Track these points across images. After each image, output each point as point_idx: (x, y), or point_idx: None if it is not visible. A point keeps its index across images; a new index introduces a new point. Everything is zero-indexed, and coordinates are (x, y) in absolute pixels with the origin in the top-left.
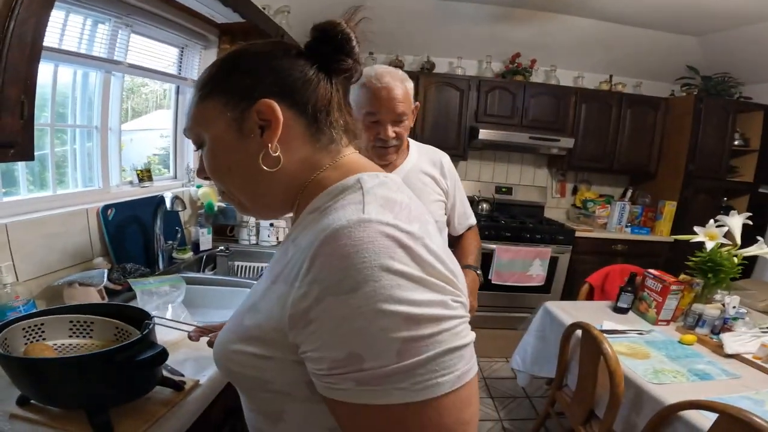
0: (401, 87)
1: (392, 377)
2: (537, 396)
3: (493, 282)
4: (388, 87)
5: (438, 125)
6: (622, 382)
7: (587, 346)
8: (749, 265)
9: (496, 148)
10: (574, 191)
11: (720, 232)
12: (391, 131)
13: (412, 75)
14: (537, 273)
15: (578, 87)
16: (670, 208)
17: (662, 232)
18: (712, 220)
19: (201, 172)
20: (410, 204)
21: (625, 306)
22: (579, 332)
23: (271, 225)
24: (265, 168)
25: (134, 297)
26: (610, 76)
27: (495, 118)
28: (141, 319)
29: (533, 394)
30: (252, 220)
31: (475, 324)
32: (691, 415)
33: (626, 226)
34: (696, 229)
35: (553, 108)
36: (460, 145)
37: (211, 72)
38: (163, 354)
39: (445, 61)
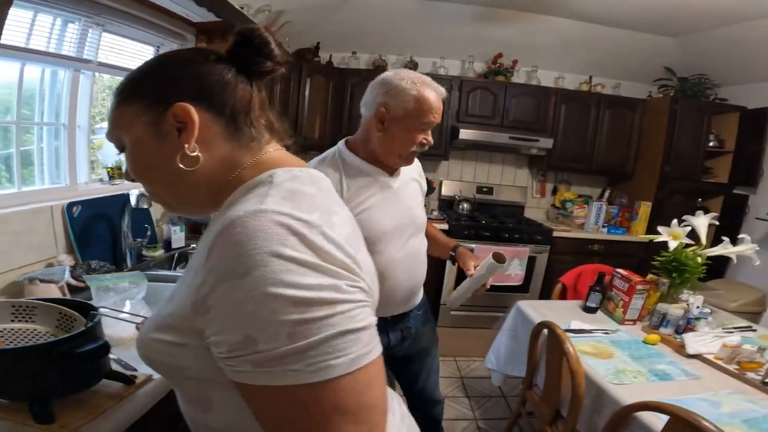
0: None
1: (285, 359)
2: (513, 395)
3: None
4: (439, 96)
5: None
6: (583, 382)
7: (552, 346)
8: (722, 265)
9: (478, 148)
10: (554, 191)
11: (683, 232)
12: (431, 137)
13: None
14: (516, 272)
15: (558, 87)
16: (645, 208)
17: (638, 233)
18: (675, 220)
19: (128, 175)
20: (317, 195)
21: (593, 305)
22: (546, 331)
23: None
24: (183, 167)
25: None
26: (590, 77)
27: (476, 118)
28: (89, 310)
29: (509, 393)
30: None
31: (453, 323)
32: (645, 416)
33: (603, 227)
34: (660, 228)
35: (533, 108)
36: (441, 145)
37: (130, 78)
38: (105, 347)
39: (428, 61)
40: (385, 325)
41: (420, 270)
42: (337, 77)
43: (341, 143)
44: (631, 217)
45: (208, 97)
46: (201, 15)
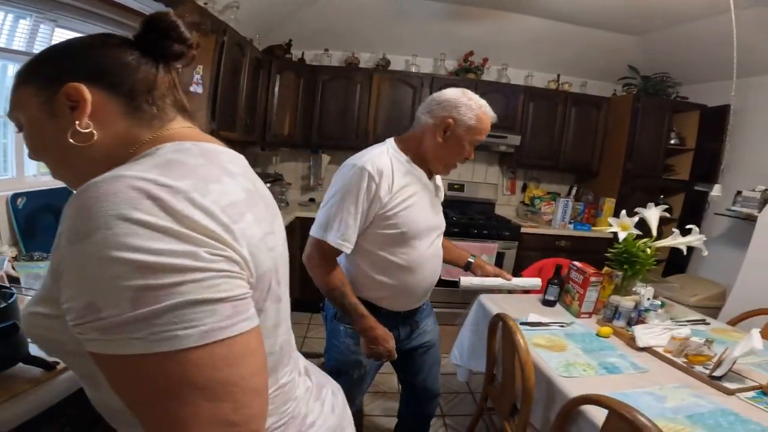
0: None
1: (128, 327)
2: (480, 392)
3: (441, 278)
4: (490, 120)
5: (391, 122)
6: (533, 375)
7: (506, 338)
8: (684, 260)
9: None
10: (524, 189)
11: (632, 223)
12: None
13: (366, 73)
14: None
15: (527, 85)
16: (609, 205)
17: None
18: (624, 211)
19: (30, 155)
20: (201, 166)
21: (551, 299)
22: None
23: None
24: (77, 144)
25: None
26: (558, 76)
27: None
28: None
29: (476, 389)
30: None
31: None
32: (591, 410)
33: (569, 223)
34: (610, 220)
35: (502, 106)
36: None
37: (30, 61)
38: (14, 328)
39: (401, 59)
40: (396, 320)
41: (439, 269)
42: (308, 74)
43: (391, 141)
44: (596, 214)
45: (105, 77)
46: (156, 9)
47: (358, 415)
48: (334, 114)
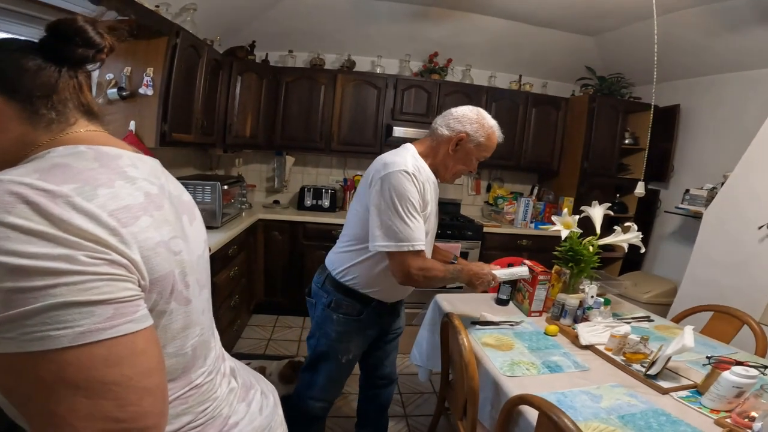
0: None
1: (0, 327)
2: None
3: None
4: (497, 140)
5: (355, 123)
6: (476, 375)
7: (453, 338)
8: (639, 258)
9: None
10: (488, 189)
11: (574, 221)
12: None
13: (330, 74)
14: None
15: (490, 86)
16: (568, 204)
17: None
18: (566, 210)
19: None
20: (92, 170)
21: (504, 297)
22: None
23: None
24: None
25: None
26: (520, 76)
27: (410, 116)
28: None
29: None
30: None
31: None
32: (528, 410)
33: (531, 222)
34: (553, 218)
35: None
36: (376, 143)
37: None
38: None
39: (367, 60)
40: (384, 310)
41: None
42: (271, 75)
43: (413, 149)
44: (556, 212)
45: (2, 82)
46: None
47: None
48: (297, 115)
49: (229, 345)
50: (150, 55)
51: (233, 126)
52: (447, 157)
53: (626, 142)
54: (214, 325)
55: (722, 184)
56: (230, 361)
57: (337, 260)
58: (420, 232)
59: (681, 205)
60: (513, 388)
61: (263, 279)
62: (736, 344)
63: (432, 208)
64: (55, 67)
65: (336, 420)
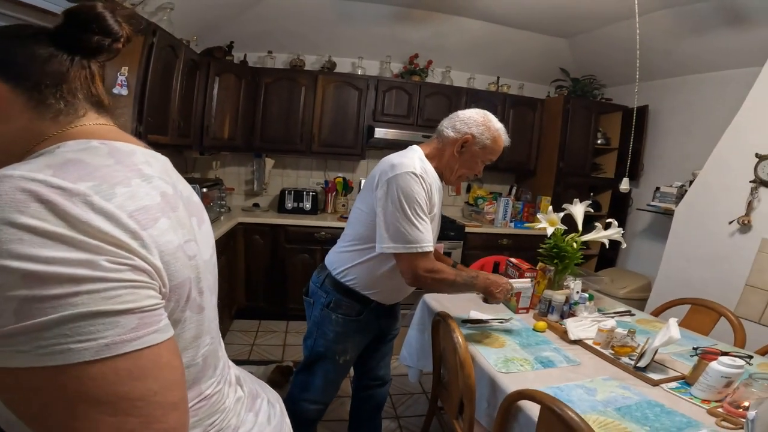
0: None
1: (12, 339)
2: None
3: None
4: (504, 144)
5: (336, 124)
6: (472, 372)
7: (446, 337)
8: (614, 254)
9: (396, 147)
10: (468, 189)
11: (558, 218)
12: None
13: (311, 75)
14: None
15: (469, 87)
16: (545, 203)
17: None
18: (550, 207)
19: None
20: (108, 167)
21: None
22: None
23: None
24: None
25: None
26: (497, 78)
27: (392, 118)
28: None
29: (430, 389)
30: None
31: None
32: (527, 405)
33: (510, 221)
34: (539, 216)
35: (445, 107)
36: (357, 145)
37: None
38: None
39: (348, 62)
40: (382, 311)
41: None
42: (250, 76)
43: (420, 151)
44: (534, 212)
45: (10, 69)
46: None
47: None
48: (277, 117)
49: None
50: (125, 54)
51: (211, 127)
52: (452, 160)
53: (599, 142)
54: (220, 332)
55: (691, 182)
56: (235, 369)
57: (338, 260)
58: (428, 233)
59: (652, 203)
60: (509, 384)
61: (244, 284)
62: (714, 336)
63: (437, 210)
64: (68, 56)
65: (327, 424)
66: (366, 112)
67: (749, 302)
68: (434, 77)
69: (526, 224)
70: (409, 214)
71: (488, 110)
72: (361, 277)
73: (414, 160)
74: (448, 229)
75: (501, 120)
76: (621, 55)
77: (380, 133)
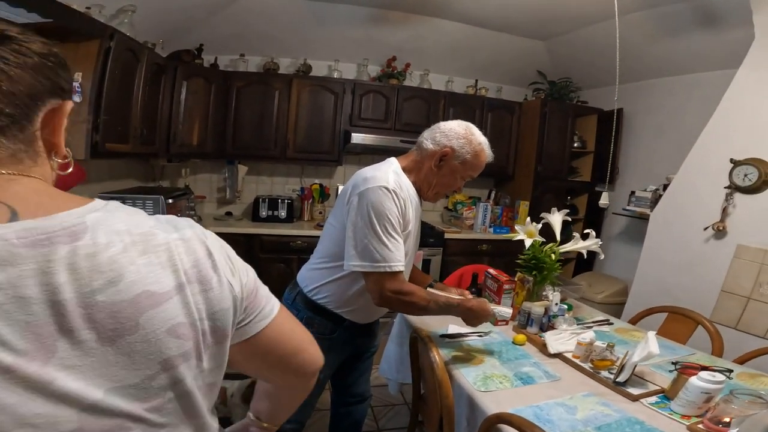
0: None
1: None
2: None
3: None
4: (487, 159)
5: (311, 130)
6: (450, 393)
7: (423, 355)
8: (591, 257)
9: (373, 152)
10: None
11: (536, 229)
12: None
13: (285, 78)
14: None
15: (447, 91)
16: (524, 207)
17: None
18: (528, 218)
19: None
20: None
21: None
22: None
23: None
24: None
25: None
26: (476, 81)
27: (369, 122)
28: None
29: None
30: None
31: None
32: (507, 429)
33: (489, 227)
34: (516, 227)
35: (423, 111)
36: (334, 150)
37: None
38: None
39: (324, 65)
40: (356, 330)
41: None
42: (221, 80)
43: (397, 164)
44: (513, 216)
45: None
46: (22, 16)
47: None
48: (250, 122)
49: None
50: (79, 60)
51: (178, 134)
52: (430, 174)
53: (575, 145)
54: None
55: (664, 186)
56: None
57: (310, 277)
58: (398, 252)
59: (627, 207)
60: (488, 403)
61: None
62: (692, 344)
63: (413, 227)
64: None
65: None
66: (342, 116)
67: (725, 308)
68: (412, 80)
69: (505, 236)
70: (379, 231)
71: (467, 114)
72: (333, 295)
73: (388, 173)
74: (427, 236)
75: (479, 124)
76: (596, 57)
77: (357, 138)
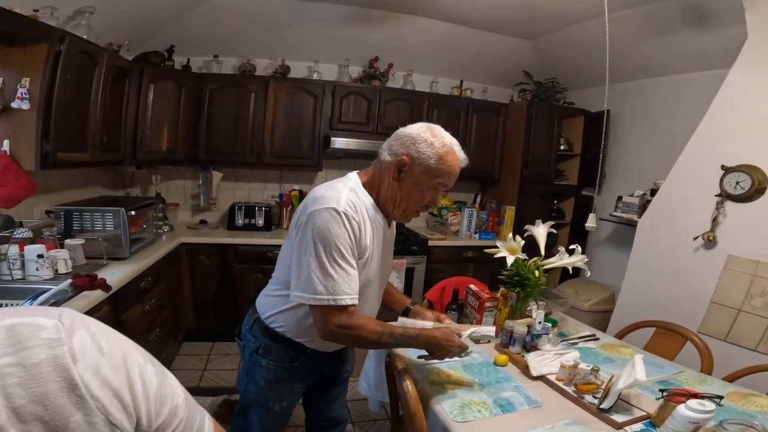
0: None
1: None
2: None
3: None
4: (460, 164)
5: (290, 134)
6: (424, 425)
7: (399, 382)
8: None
9: (354, 156)
10: None
11: (519, 246)
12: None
13: (261, 80)
14: (395, 286)
15: (431, 92)
16: (510, 212)
17: (505, 237)
18: (510, 234)
19: None
20: None
21: None
22: None
23: (40, 256)
24: None
25: None
26: (461, 81)
27: (350, 125)
28: None
29: None
30: (11, 251)
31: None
32: None
33: (475, 233)
34: (498, 243)
35: (407, 114)
36: (314, 155)
37: None
38: None
39: (303, 66)
40: (321, 358)
41: (377, 311)
42: (192, 83)
43: (356, 179)
44: (499, 222)
45: None
46: None
47: None
48: (224, 127)
49: None
50: (26, 65)
51: (145, 140)
52: (391, 189)
53: (562, 148)
54: None
55: (652, 191)
56: None
57: (267, 304)
58: (348, 283)
59: (614, 213)
60: None
61: (192, 306)
62: (681, 360)
63: (375, 252)
64: None
65: None
66: (322, 119)
67: (714, 320)
68: (395, 81)
69: (488, 249)
70: (324, 260)
71: (451, 116)
72: (290, 324)
73: (341, 192)
74: (410, 243)
75: (465, 127)
76: (583, 57)
77: (338, 142)
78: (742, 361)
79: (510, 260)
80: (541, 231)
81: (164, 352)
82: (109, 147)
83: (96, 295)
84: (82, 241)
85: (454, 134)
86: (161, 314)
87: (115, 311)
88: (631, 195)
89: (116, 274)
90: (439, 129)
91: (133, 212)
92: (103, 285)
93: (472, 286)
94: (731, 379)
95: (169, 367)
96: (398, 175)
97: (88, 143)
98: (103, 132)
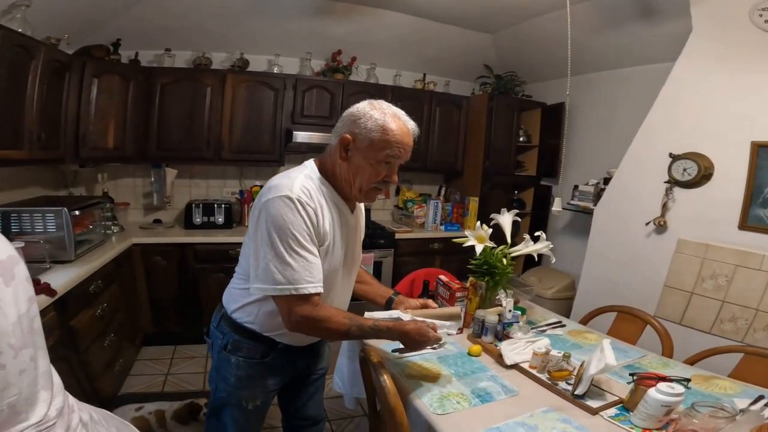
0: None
1: None
2: None
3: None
4: (409, 131)
5: (249, 129)
6: (404, 419)
7: (376, 378)
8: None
9: (318, 150)
10: (398, 192)
11: (487, 234)
12: (396, 176)
13: (217, 74)
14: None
15: (394, 85)
16: (473, 204)
17: (470, 228)
18: (479, 222)
19: None
20: None
21: None
22: None
23: None
24: None
25: None
26: (424, 75)
27: (312, 119)
28: None
29: None
30: None
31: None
32: None
33: (441, 224)
34: (466, 233)
35: None
36: (275, 150)
37: None
38: None
39: (263, 59)
40: (293, 353)
41: (347, 305)
42: (141, 77)
43: (312, 166)
44: (463, 213)
45: None
46: None
47: None
48: (177, 122)
49: (112, 388)
50: None
51: (88, 137)
52: (343, 170)
53: (521, 139)
54: (54, 378)
55: (605, 179)
56: (86, 413)
57: (232, 297)
58: (309, 271)
59: (571, 201)
60: (446, 427)
61: (149, 309)
62: (642, 344)
63: (337, 239)
64: None
65: None
66: (284, 113)
67: (668, 304)
68: (359, 75)
69: (456, 240)
70: (280, 248)
71: (415, 109)
72: (257, 317)
73: (295, 180)
74: (377, 237)
75: (428, 120)
76: (539, 52)
77: (300, 136)
78: (698, 344)
79: (479, 249)
80: (506, 219)
81: (122, 358)
82: (48, 144)
83: (40, 300)
84: (22, 244)
85: (419, 127)
86: (115, 319)
87: (63, 317)
88: (587, 184)
89: (61, 278)
90: (381, 102)
91: (77, 212)
92: (48, 289)
93: (442, 277)
94: (692, 362)
95: (128, 373)
96: (345, 154)
97: (24, 140)
98: (41, 128)
